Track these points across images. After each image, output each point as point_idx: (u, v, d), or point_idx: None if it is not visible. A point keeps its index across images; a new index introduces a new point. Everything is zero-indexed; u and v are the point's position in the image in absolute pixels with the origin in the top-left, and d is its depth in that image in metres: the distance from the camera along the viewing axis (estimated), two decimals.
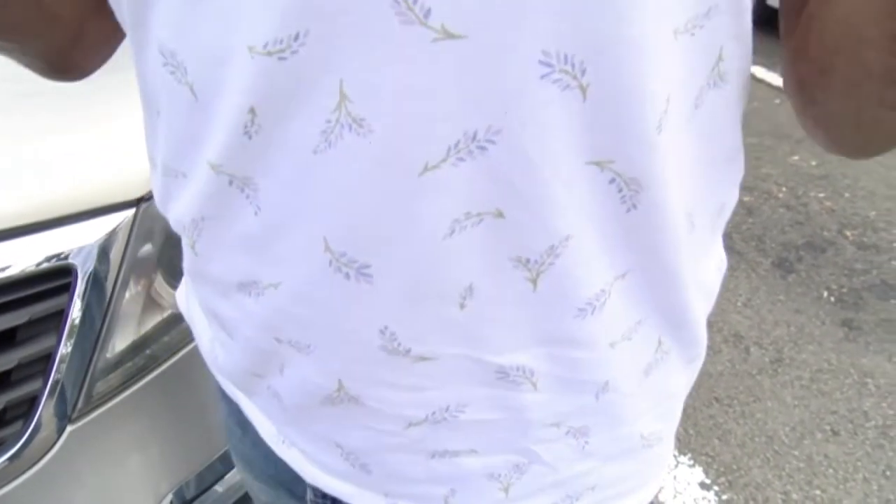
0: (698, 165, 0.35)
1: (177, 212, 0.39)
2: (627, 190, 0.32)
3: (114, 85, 0.86)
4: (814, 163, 2.87)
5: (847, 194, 2.65)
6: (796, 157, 2.92)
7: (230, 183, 0.33)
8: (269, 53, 0.28)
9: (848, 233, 2.43)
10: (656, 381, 0.43)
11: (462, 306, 0.34)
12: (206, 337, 0.50)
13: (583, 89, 0.28)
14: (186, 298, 0.55)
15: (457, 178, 0.30)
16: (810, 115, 0.38)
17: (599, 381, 0.40)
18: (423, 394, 0.38)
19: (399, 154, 0.29)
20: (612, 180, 0.32)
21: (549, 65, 0.28)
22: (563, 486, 0.45)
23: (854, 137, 0.38)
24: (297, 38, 0.28)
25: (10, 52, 0.42)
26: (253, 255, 0.36)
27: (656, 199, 0.33)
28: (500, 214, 0.31)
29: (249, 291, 0.37)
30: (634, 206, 0.33)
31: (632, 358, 0.40)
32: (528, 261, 0.33)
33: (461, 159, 0.29)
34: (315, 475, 0.47)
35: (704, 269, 0.42)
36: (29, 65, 0.44)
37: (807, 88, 0.36)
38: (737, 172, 0.39)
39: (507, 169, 0.30)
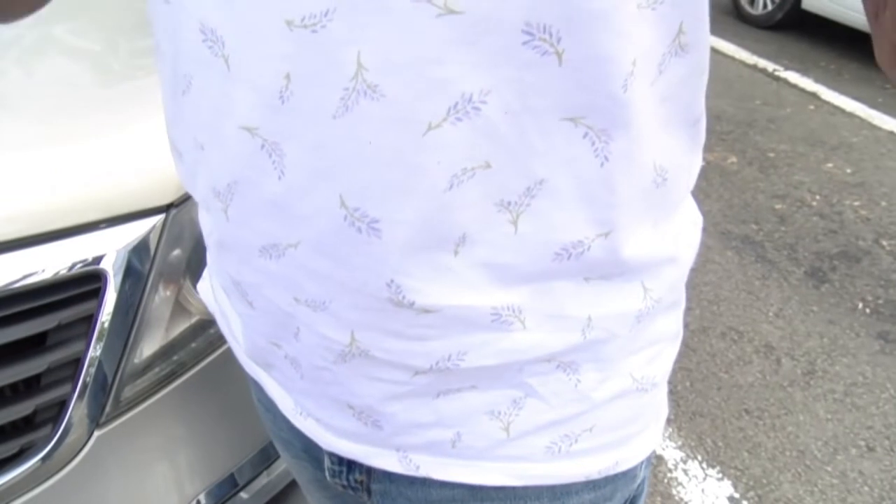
0: (665, 123, 0.40)
1: (210, 181, 0.42)
2: (599, 142, 0.36)
3: (144, 89, 0.87)
4: (849, 170, 2.81)
5: (884, 203, 2.59)
6: (830, 165, 2.87)
7: (262, 147, 0.37)
8: (305, 26, 0.33)
9: (884, 242, 2.37)
10: (647, 325, 0.47)
11: (456, 253, 0.38)
12: (230, 318, 0.54)
13: (559, 55, 0.33)
14: (211, 289, 0.59)
15: (456, 136, 0.34)
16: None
17: (581, 316, 0.43)
18: (427, 344, 0.42)
19: (406, 116, 0.34)
20: (586, 134, 0.36)
21: (530, 33, 0.32)
22: (561, 425, 0.47)
23: None
24: (326, 13, 0.33)
25: None
26: (275, 219, 0.39)
27: (626, 151, 0.37)
28: (488, 165, 0.36)
29: (270, 254, 0.41)
30: (607, 159, 0.37)
31: (615, 300, 0.44)
32: (509, 203, 0.37)
33: (459, 119, 0.34)
34: (331, 441, 0.51)
35: (681, 222, 0.46)
36: None
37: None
38: (700, 134, 0.44)
39: (496, 124, 0.34)
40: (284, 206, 0.38)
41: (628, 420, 0.50)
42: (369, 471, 0.53)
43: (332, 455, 0.54)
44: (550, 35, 0.32)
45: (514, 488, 0.49)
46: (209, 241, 0.48)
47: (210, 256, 0.52)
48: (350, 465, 0.54)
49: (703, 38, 0.38)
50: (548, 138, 0.36)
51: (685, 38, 0.37)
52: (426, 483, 0.50)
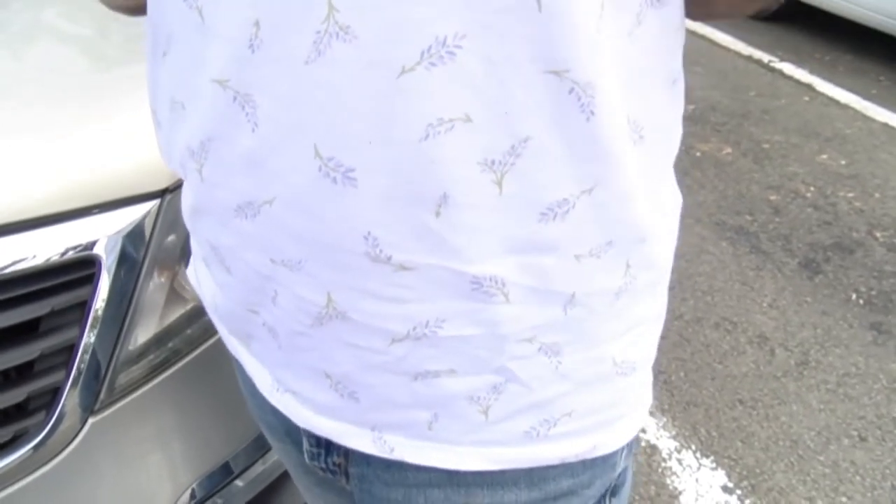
0: (643, 78, 0.39)
1: (186, 140, 0.41)
2: (585, 97, 0.35)
3: (138, 74, 0.86)
4: (843, 162, 2.82)
5: (877, 194, 2.60)
6: (824, 156, 2.87)
7: (234, 99, 0.37)
8: None
9: (878, 234, 2.38)
10: (626, 304, 0.46)
11: (437, 214, 0.37)
12: (209, 291, 0.54)
13: None
14: (194, 269, 0.58)
15: (430, 82, 0.34)
16: None
17: (566, 292, 0.42)
18: (404, 306, 0.41)
19: (379, 58, 0.33)
20: (571, 90, 0.35)
21: None
22: (541, 408, 0.47)
23: None
24: None
25: None
26: (250, 174, 0.39)
27: (611, 103, 0.36)
28: (468, 119, 0.35)
29: (246, 213, 0.41)
30: (593, 113, 0.36)
31: (600, 277, 0.43)
32: (493, 162, 0.36)
33: (433, 64, 0.33)
34: (307, 417, 0.50)
35: (662, 195, 0.45)
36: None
37: None
38: (679, 96, 0.44)
39: (473, 72, 0.34)
40: (258, 161, 0.38)
41: (608, 404, 0.49)
42: (347, 453, 0.53)
43: (310, 437, 0.54)
44: None
45: (491, 473, 0.49)
46: (186, 208, 0.48)
47: (189, 227, 0.51)
48: (328, 448, 0.54)
49: None
50: (531, 92, 0.35)
51: None
52: (402, 466, 0.50)
